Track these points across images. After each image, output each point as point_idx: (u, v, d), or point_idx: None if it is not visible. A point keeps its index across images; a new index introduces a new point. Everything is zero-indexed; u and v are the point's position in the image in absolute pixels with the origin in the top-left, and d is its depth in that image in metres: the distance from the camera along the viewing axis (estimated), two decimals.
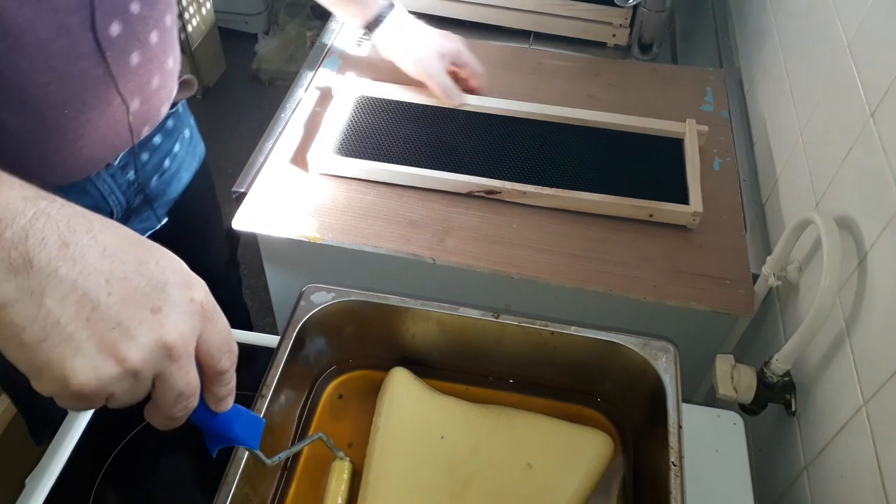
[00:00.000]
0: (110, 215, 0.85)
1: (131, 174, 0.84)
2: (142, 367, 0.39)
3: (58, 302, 0.37)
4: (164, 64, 0.76)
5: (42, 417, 1.06)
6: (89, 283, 0.38)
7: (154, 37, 0.72)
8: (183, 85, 0.86)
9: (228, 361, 0.45)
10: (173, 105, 0.88)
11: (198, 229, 1.05)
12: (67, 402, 0.39)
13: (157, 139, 0.87)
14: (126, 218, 0.90)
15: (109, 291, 0.39)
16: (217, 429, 0.49)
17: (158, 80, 0.76)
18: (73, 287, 0.38)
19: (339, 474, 0.64)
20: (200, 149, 0.99)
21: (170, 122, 0.88)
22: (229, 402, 0.48)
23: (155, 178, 0.89)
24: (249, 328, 1.32)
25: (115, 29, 0.66)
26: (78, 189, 0.78)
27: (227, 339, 0.44)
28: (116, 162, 0.80)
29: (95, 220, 0.40)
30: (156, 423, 0.44)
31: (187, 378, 0.42)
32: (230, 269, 1.17)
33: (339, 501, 0.63)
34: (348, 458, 0.65)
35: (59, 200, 0.40)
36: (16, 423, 1.26)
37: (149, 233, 0.95)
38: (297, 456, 0.67)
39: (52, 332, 0.37)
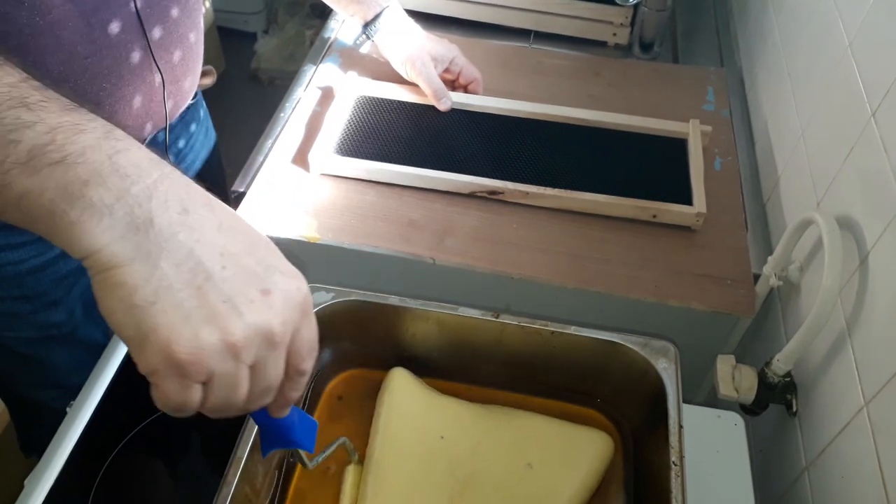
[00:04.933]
0: None
1: None
2: (244, 347, 0.37)
3: (173, 267, 0.36)
4: (188, 41, 0.78)
5: (35, 430, 1.05)
6: (205, 253, 0.37)
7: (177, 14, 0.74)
8: (203, 74, 0.87)
9: (310, 363, 0.43)
10: (194, 95, 0.88)
11: None
12: (166, 380, 0.37)
13: (160, 136, 0.86)
14: None
15: (223, 265, 0.38)
16: (278, 430, 0.48)
17: (185, 56, 0.77)
18: (189, 254, 0.37)
19: (355, 478, 0.63)
20: (212, 136, 0.99)
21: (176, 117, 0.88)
22: (288, 409, 0.46)
23: None
24: None
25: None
26: None
27: (316, 338, 0.42)
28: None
29: (209, 195, 0.40)
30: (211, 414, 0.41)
31: (277, 371, 0.40)
32: None
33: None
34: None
35: (178, 170, 0.40)
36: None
37: None
38: (293, 458, 0.67)
39: (164, 296, 0.36)
